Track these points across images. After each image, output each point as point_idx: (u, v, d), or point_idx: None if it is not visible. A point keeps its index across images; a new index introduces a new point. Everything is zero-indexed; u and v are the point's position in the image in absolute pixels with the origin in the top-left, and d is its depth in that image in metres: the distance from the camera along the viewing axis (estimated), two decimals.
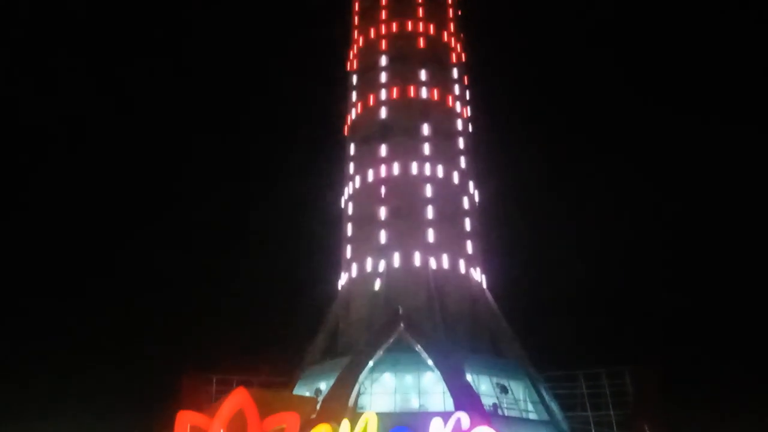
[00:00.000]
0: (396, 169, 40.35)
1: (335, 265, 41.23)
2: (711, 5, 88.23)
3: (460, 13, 49.38)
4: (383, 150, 41.17)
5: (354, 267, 38.97)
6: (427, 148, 41.05)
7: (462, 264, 38.43)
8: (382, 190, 39.95)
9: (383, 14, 46.61)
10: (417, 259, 37.56)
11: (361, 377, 31.75)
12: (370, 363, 32.13)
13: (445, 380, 30.87)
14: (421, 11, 46.44)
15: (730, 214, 69.50)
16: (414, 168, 40.23)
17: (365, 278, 37.92)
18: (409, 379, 33.25)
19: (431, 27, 46.06)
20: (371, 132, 42.39)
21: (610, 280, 65.32)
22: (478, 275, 39.37)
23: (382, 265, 37.56)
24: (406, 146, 41.03)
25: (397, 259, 37.58)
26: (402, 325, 33.17)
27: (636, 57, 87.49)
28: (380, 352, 32.46)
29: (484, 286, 39.53)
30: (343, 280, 39.84)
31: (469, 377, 31.86)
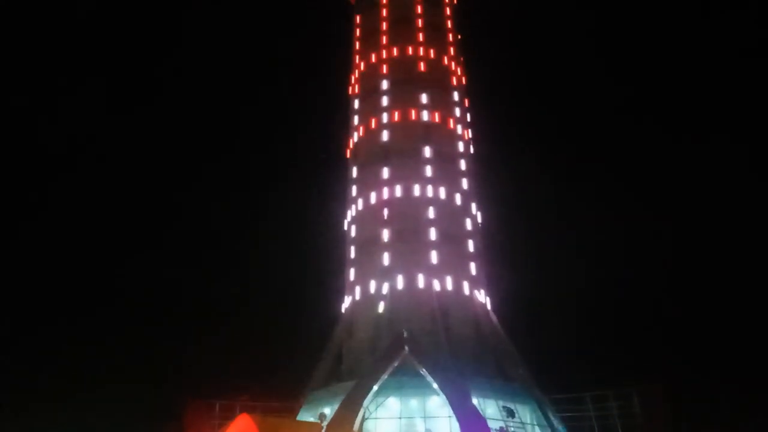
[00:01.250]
0: (398, 191, 40.52)
1: (338, 288, 41.14)
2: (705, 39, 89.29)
3: (459, 37, 50.15)
4: (385, 172, 41.40)
5: (357, 290, 38.86)
6: (429, 170, 41.27)
7: (466, 285, 38.30)
8: (385, 212, 40.04)
9: (384, 39, 47.33)
10: (421, 281, 37.45)
11: (366, 401, 31.41)
12: (375, 387, 31.81)
13: (450, 404, 30.51)
14: (421, 36, 47.17)
15: (734, 226, 69.34)
16: (416, 190, 40.40)
17: (369, 301, 37.77)
18: (414, 403, 32.87)
19: (431, 51, 46.72)
20: (373, 154, 42.69)
21: (615, 297, 64.85)
22: (482, 296, 39.20)
23: (385, 288, 37.45)
24: (408, 168, 41.27)
25: (400, 282, 37.47)
26: (406, 348, 32.92)
27: (636, 75, 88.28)
28: (385, 376, 32.15)
29: (489, 307, 39.34)
30: (346, 303, 39.68)
31: (475, 400, 31.49)
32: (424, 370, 31.96)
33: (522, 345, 37.37)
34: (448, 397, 30.77)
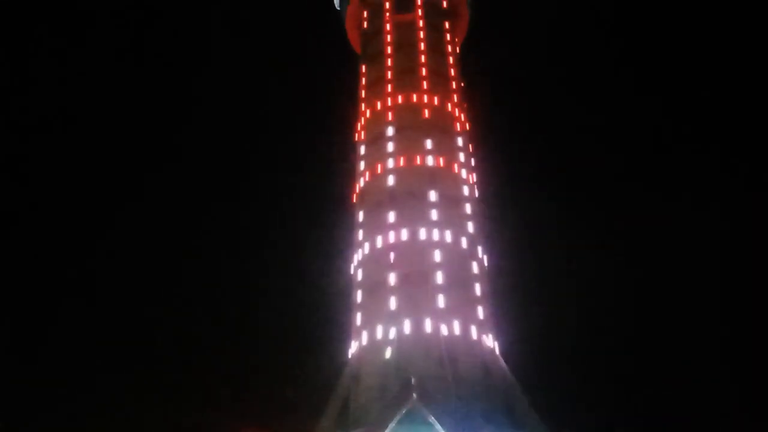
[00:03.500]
0: (404, 234, 40.70)
1: (345, 333, 40.77)
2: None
3: (462, 84, 51.46)
4: (391, 216, 41.71)
5: (364, 335, 38.51)
6: (434, 214, 41.56)
7: (474, 330, 37.91)
8: (391, 256, 40.13)
9: (389, 87, 48.60)
10: (428, 325, 37.13)
11: None
12: None
13: None
14: (425, 84, 48.44)
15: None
16: (422, 234, 40.57)
17: (376, 346, 37.39)
18: None
19: (435, 98, 47.88)
20: (379, 199, 43.15)
21: (630, 340, 63.66)
22: (490, 341, 38.73)
23: (392, 333, 37.12)
24: (413, 212, 41.60)
25: (407, 326, 37.15)
26: (415, 395, 32.33)
27: (643, 114, 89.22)
28: (393, 425, 31.46)
29: (497, 352, 38.80)
30: (353, 348, 39.26)
31: None
32: (432, 418, 31.30)
33: (533, 390, 36.64)
34: None
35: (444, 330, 36.99)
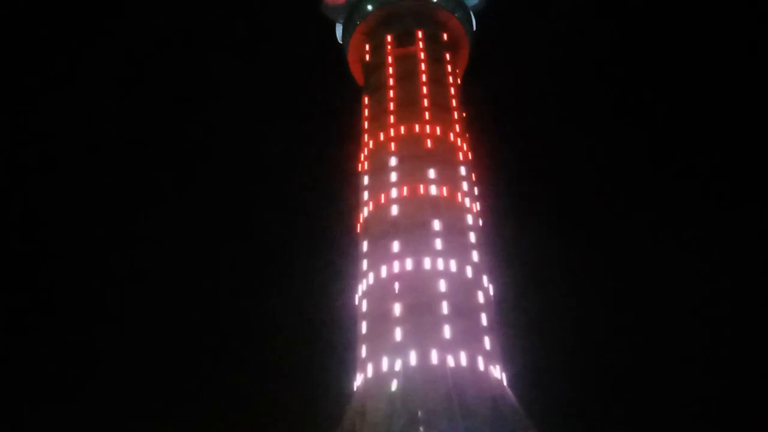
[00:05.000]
0: (409, 264, 40.44)
1: (350, 365, 40.16)
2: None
3: (464, 114, 51.89)
4: (395, 246, 41.53)
5: (369, 367, 37.90)
6: (439, 243, 41.37)
7: (480, 361, 37.30)
8: (396, 286, 39.81)
9: (392, 118, 49.03)
10: (434, 357, 36.55)
11: None
12: None
13: None
14: (427, 114, 48.86)
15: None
16: (427, 263, 40.31)
17: (381, 379, 36.74)
18: None
19: (438, 128, 48.23)
20: (383, 229, 43.05)
21: (639, 369, 62.49)
22: (497, 372, 38.07)
23: (398, 365, 36.53)
24: (418, 242, 41.44)
25: (413, 358, 36.56)
26: (421, 429, 31.62)
27: (644, 141, 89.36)
28: None
29: (505, 383, 38.09)
30: (358, 381, 38.62)
31: None
32: None
33: (542, 422, 35.78)
34: None
35: (451, 361, 36.40)
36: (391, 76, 51.74)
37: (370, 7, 55.38)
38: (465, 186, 46.08)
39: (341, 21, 59.26)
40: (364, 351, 39.15)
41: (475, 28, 58.10)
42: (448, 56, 54.28)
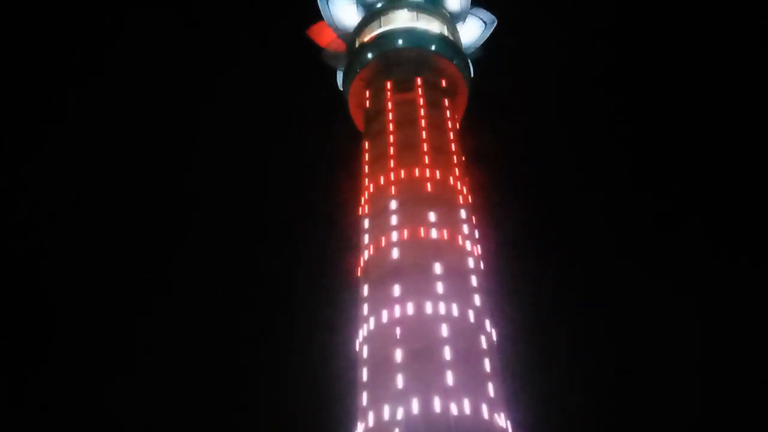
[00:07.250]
0: (410, 308, 39.90)
1: (350, 414, 39.02)
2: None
3: (463, 158, 52.33)
4: (396, 290, 41.09)
5: (370, 415, 36.84)
6: (440, 287, 40.94)
7: (485, 408, 36.26)
8: (398, 331, 39.16)
9: (392, 163, 49.45)
10: (437, 404, 35.57)
11: None
12: None
13: None
14: (426, 158, 49.30)
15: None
16: (428, 307, 39.78)
17: (383, 428, 35.67)
18: None
19: (437, 172, 48.55)
20: (384, 273, 42.70)
21: (646, 414, 60.53)
22: (502, 420, 36.94)
23: (400, 413, 35.53)
24: (419, 285, 41.01)
25: (416, 406, 35.59)
26: None
27: (647, 192, 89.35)
28: None
29: None
30: (359, 430, 37.46)
31: None
32: None
33: None
34: None
35: (454, 409, 35.41)
36: (390, 121, 52.46)
37: (370, 55, 56.70)
38: (466, 229, 45.98)
39: (341, 68, 60.67)
40: (365, 399, 38.15)
41: (473, 74, 59.40)
42: (446, 102, 55.21)
